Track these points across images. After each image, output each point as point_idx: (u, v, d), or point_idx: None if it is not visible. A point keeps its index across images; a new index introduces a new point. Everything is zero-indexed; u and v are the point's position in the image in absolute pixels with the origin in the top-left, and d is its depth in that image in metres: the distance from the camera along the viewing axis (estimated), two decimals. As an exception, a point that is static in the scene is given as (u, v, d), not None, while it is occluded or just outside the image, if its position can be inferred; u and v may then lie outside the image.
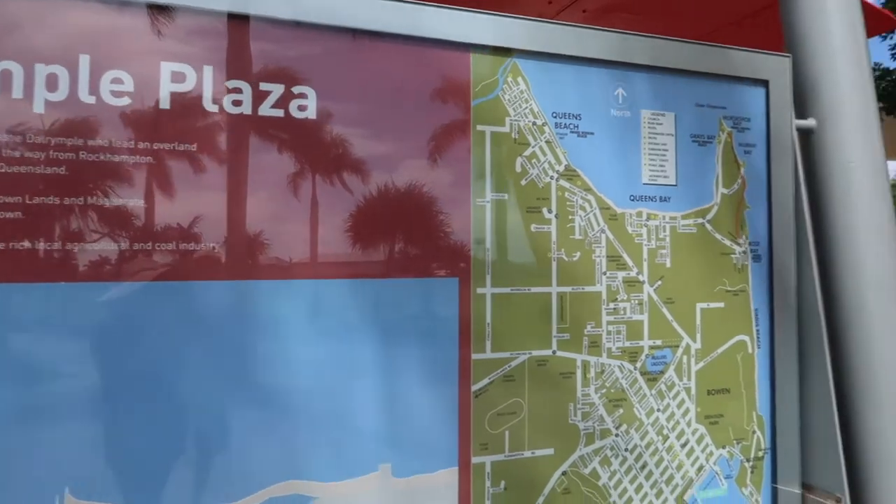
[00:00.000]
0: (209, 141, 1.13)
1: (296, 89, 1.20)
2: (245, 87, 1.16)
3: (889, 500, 1.50)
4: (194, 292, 1.11)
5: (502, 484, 1.31)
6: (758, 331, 1.55)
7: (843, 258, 1.60)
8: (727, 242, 1.53)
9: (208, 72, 1.13)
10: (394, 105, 1.27)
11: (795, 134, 1.61)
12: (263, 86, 1.17)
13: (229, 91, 1.15)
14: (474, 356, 1.30)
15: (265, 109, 1.17)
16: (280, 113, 1.18)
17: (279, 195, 1.18)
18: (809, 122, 1.65)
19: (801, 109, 1.68)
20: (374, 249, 1.25)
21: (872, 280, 1.57)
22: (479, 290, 1.31)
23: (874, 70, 8.63)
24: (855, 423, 1.55)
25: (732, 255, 1.54)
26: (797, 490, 1.54)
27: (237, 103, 1.15)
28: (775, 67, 1.58)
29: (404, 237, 1.27)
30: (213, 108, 1.14)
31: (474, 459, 1.29)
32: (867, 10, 3.39)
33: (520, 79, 1.36)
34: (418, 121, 1.28)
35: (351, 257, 1.24)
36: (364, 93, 1.24)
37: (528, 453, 1.34)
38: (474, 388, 1.30)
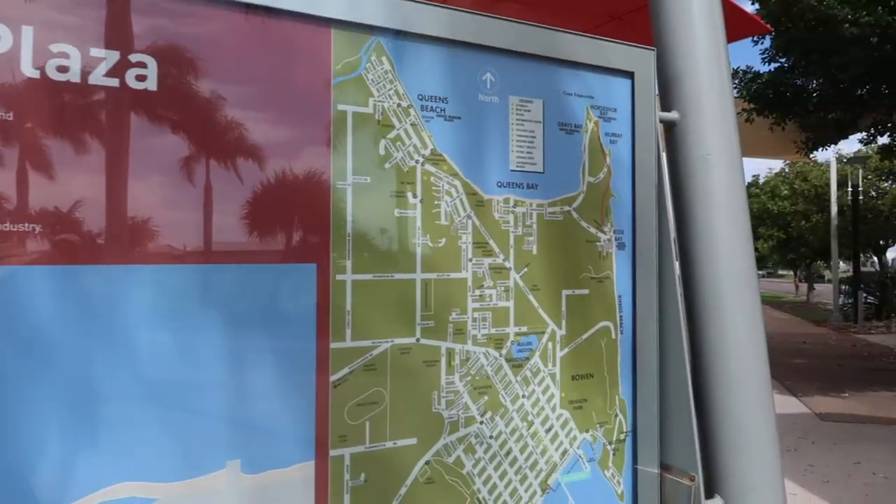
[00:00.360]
0: (29, 110, 1.02)
1: (133, 57, 1.10)
2: (73, 51, 1.05)
3: (737, 477, 1.58)
4: (9, 279, 1.00)
5: (362, 476, 1.28)
6: (621, 317, 1.59)
7: (701, 248, 1.66)
8: (592, 230, 1.55)
9: (27, 32, 1.02)
10: (247, 80, 1.19)
11: (659, 125, 1.65)
12: (95, 52, 1.07)
13: (53, 55, 1.04)
14: (333, 345, 1.25)
15: (97, 78, 1.07)
16: (115, 82, 1.08)
17: (115, 172, 1.09)
18: (672, 115, 1.71)
19: (666, 102, 1.74)
20: (225, 233, 1.18)
21: (728, 270, 1.65)
22: (339, 277, 1.26)
23: (746, 73, 9.21)
24: (709, 405, 1.62)
25: (597, 243, 1.56)
26: (655, 470, 1.59)
27: (62, 69, 1.04)
28: (640, 60, 1.61)
29: (258, 221, 1.20)
30: (32, 74, 1.02)
31: (332, 452, 1.25)
32: (738, 14, 3.58)
33: (384, 58, 1.32)
34: (274, 97, 1.21)
35: (199, 242, 1.16)
36: (212, 65, 1.16)
37: (389, 444, 1.31)
38: (333, 378, 1.25)
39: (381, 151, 1.31)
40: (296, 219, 1.23)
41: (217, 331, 1.16)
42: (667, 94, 1.74)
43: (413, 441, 1.33)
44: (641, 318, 1.60)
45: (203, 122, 1.16)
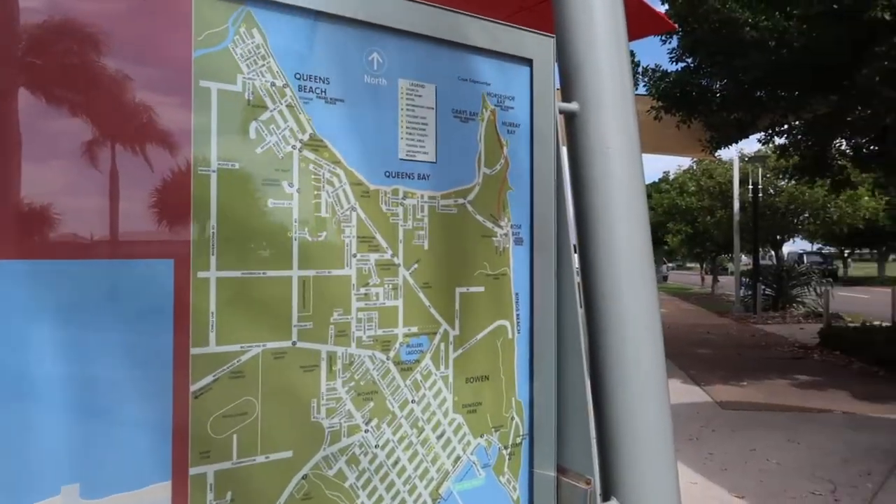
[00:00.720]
0: None
1: (-61, 15, 0.93)
2: None
3: (634, 479, 1.54)
4: None
5: (228, 495, 1.15)
6: (518, 315, 1.52)
7: (600, 244, 1.61)
8: (489, 224, 1.47)
9: None
10: (93, 50, 1.04)
11: (558, 116, 1.59)
12: None
13: None
14: (194, 350, 1.12)
15: None
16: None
17: (-83, 151, 0.91)
18: (572, 106, 1.64)
19: (567, 92, 1.68)
20: (67, 225, 1.02)
21: (626, 266, 1.60)
22: (202, 274, 1.12)
23: (655, 71, 9.47)
24: (606, 406, 1.57)
25: (494, 238, 1.48)
26: (552, 473, 1.53)
27: None
28: (539, 47, 1.54)
29: (105, 211, 1.05)
30: None
31: (192, 470, 1.11)
32: (644, 10, 3.60)
33: (255, 31, 1.18)
34: (124, 72, 1.06)
35: (37, 234, 1.00)
36: (51, 33, 1.00)
37: (261, 458, 1.18)
38: (194, 387, 1.12)
39: (252, 135, 1.18)
40: (150, 209, 1.08)
41: (54, 334, 1.00)
42: (567, 84, 1.68)
43: (288, 454, 1.21)
44: (539, 317, 1.54)
45: (42, 100, 1.00)
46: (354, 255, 1.29)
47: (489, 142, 1.47)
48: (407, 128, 1.36)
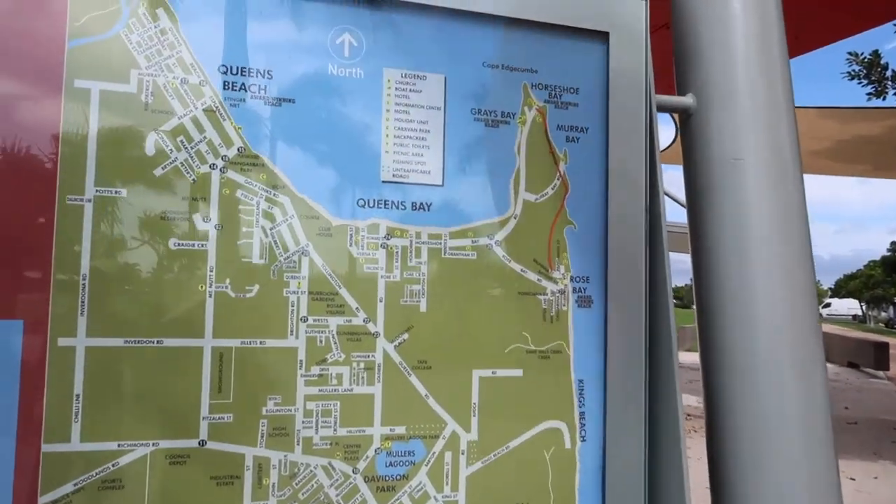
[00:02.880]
0: None
1: None
2: None
3: None
4: None
5: None
6: (582, 414, 1.01)
7: (732, 308, 1.05)
8: (532, 276, 1.00)
9: None
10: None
11: (655, 115, 1.07)
12: None
13: None
14: (47, 448, 0.80)
15: None
16: None
17: None
18: (686, 100, 1.11)
19: (680, 80, 1.15)
20: None
21: (773, 342, 1.02)
22: (64, 342, 0.81)
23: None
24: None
25: (541, 297, 1.00)
26: None
27: None
28: (621, 13, 1.05)
29: (-58, 253, 0.78)
30: None
31: None
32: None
33: (161, 10, 0.87)
34: (-35, 69, 0.80)
35: None
36: None
37: None
38: (44, 499, 0.80)
39: (150, 150, 0.85)
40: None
41: None
42: (682, 68, 1.15)
43: None
44: (618, 417, 1.01)
45: None
46: (304, 320, 0.90)
47: (534, 155, 1.01)
48: (395, 136, 0.95)
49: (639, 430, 1.01)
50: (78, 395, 0.81)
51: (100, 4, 0.84)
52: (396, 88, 0.95)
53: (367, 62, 0.94)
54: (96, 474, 0.82)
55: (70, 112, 0.83)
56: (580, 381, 1.01)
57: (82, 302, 0.82)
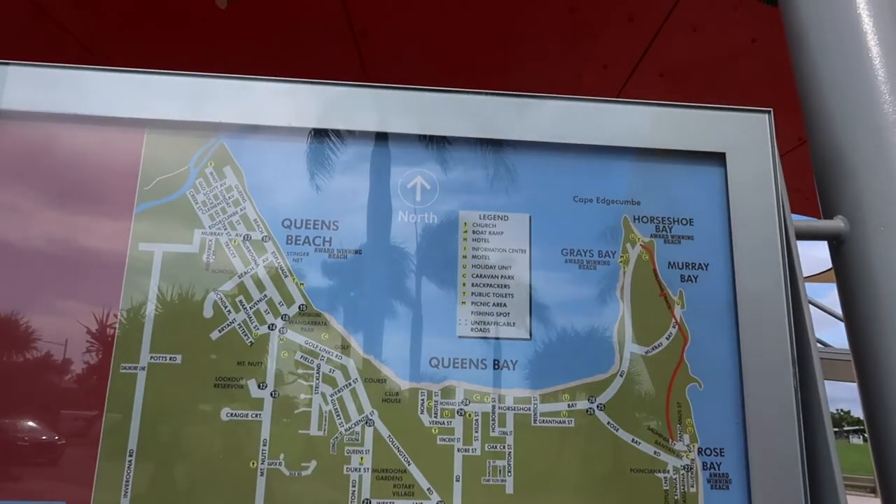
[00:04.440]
0: None
1: None
2: None
3: None
4: None
5: None
6: None
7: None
8: (647, 449, 0.81)
9: None
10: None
11: (794, 243, 0.88)
12: None
13: None
14: None
15: None
16: None
17: None
18: (836, 224, 0.92)
19: (827, 202, 0.96)
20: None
21: None
22: (105, 527, 0.74)
23: None
24: None
25: (661, 475, 0.80)
26: None
27: None
28: (740, 129, 0.90)
29: None
30: None
31: None
32: None
33: (228, 168, 0.85)
34: (37, 239, 0.81)
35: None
36: (-53, 198, 0.81)
37: None
38: None
39: (208, 313, 0.80)
40: (41, 423, 0.76)
41: None
42: (827, 190, 0.96)
43: None
44: None
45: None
46: (367, 502, 0.77)
47: (642, 299, 0.85)
48: (473, 285, 0.84)
49: None
50: (115, 590, 0.72)
51: (170, 167, 0.84)
52: (474, 231, 0.85)
53: (441, 205, 0.86)
54: None
55: (132, 276, 0.80)
56: (721, 588, 0.78)
57: (126, 481, 0.75)
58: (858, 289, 0.88)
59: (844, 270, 0.91)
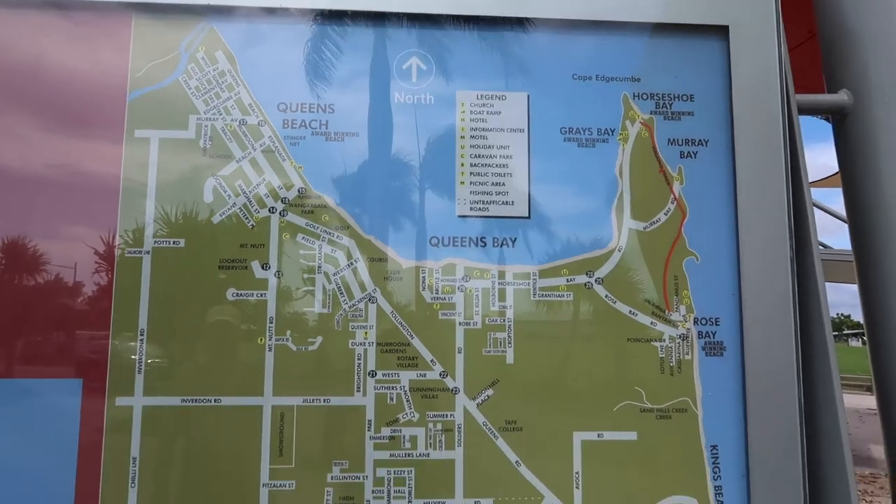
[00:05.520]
0: None
1: None
2: None
3: None
4: None
5: None
6: (718, 489, 0.81)
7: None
8: (644, 319, 0.83)
9: None
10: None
11: (796, 117, 0.87)
12: None
13: None
14: (107, 515, 0.76)
15: None
16: None
17: None
18: (840, 98, 0.90)
19: (832, 76, 0.94)
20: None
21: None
22: (122, 402, 0.77)
23: None
24: None
25: (657, 343, 0.83)
26: None
27: None
28: (747, 0, 0.87)
29: None
30: None
31: None
32: None
33: (220, 54, 0.84)
34: (32, 124, 0.81)
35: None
36: (-61, 88, 0.81)
37: None
38: (103, 572, 0.75)
39: (208, 197, 0.81)
40: (53, 308, 0.78)
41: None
42: (833, 63, 0.94)
43: None
44: (766, 498, 0.80)
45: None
46: (372, 374, 0.80)
47: (641, 176, 0.85)
48: (472, 165, 0.84)
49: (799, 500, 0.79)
50: (135, 459, 0.76)
51: (160, 52, 0.82)
52: (472, 112, 0.84)
53: (437, 86, 0.85)
54: (155, 545, 0.76)
55: (129, 162, 0.80)
56: (713, 447, 0.81)
57: (139, 359, 0.78)
58: (860, 163, 0.88)
59: (847, 145, 0.91)
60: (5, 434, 0.76)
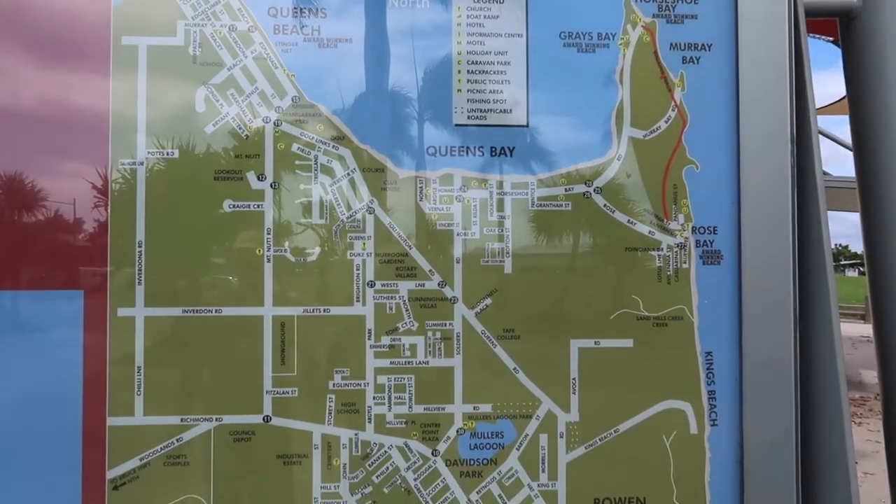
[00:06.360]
0: None
1: None
2: None
3: None
4: None
5: None
6: (712, 394, 0.83)
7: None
8: (642, 229, 0.83)
9: None
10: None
11: (802, 21, 0.85)
12: None
13: None
14: (112, 421, 0.78)
15: None
16: None
17: None
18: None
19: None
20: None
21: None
22: (123, 312, 0.78)
23: None
24: None
25: (655, 252, 0.83)
26: None
27: None
28: None
29: None
30: None
31: None
32: None
33: (206, -46, 0.80)
34: (19, 34, 0.79)
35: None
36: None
37: (213, 592, 0.78)
38: (112, 474, 0.77)
39: (200, 107, 0.79)
40: (50, 220, 0.78)
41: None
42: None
43: (255, 591, 0.79)
44: (758, 404, 0.82)
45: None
46: (371, 285, 0.80)
47: (641, 82, 0.83)
48: (469, 72, 0.82)
49: (787, 414, 0.81)
50: (139, 368, 0.78)
51: (144, -46, 0.79)
52: (468, 16, 0.82)
53: (432, -12, 0.82)
54: (161, 449, 0.78)
55: (118, 71, 0.78)
56: (708, 353, 0.83)
57: (139, 270, 0.78)
58: (866, 67, 0.86)
59: (853, 49, 0.88)
60: (10, 348, 0.76)
